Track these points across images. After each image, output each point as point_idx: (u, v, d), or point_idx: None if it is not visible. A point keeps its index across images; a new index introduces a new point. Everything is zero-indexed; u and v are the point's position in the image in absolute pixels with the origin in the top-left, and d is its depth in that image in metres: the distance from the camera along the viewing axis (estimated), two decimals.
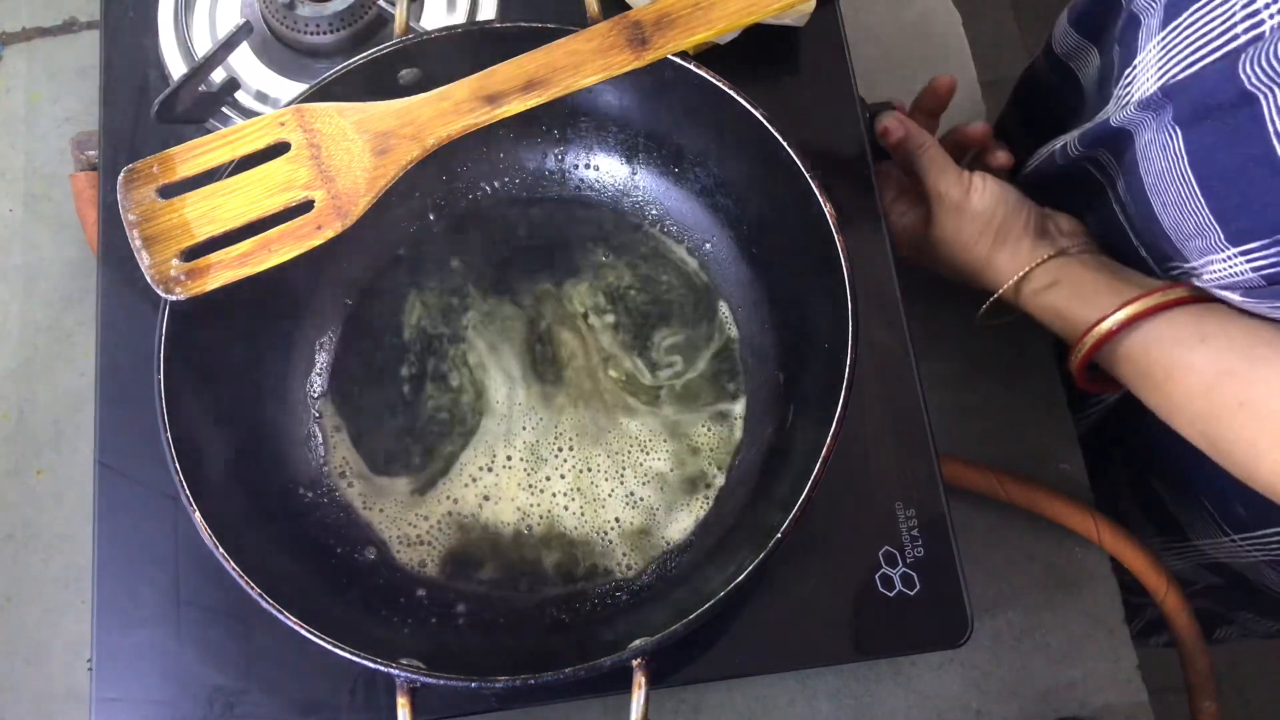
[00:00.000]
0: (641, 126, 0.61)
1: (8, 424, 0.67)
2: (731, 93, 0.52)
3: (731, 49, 0.63)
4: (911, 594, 0.56)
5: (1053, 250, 0.59)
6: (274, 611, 0.45)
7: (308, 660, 0.54)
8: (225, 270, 0.49)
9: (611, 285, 0.62)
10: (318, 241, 0.49)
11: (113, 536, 0.57)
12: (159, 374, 0.49)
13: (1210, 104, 0.46)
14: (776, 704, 0.60)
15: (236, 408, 0.56)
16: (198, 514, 0.47)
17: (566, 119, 0.62)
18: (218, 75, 0.66)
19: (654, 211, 0.63)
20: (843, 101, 0.65)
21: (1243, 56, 0.44)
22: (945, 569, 0.56)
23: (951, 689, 0.61)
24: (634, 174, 0.63)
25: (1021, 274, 0.59)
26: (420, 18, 0.68)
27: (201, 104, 0.64)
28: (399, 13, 0.56)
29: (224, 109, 0.65)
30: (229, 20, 0.68)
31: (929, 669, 0.61)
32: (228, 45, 0.65)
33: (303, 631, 0.45)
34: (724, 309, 0.62)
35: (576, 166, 0.64)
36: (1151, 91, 0.51)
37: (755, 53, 0.65)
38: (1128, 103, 0.54)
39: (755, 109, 0.52)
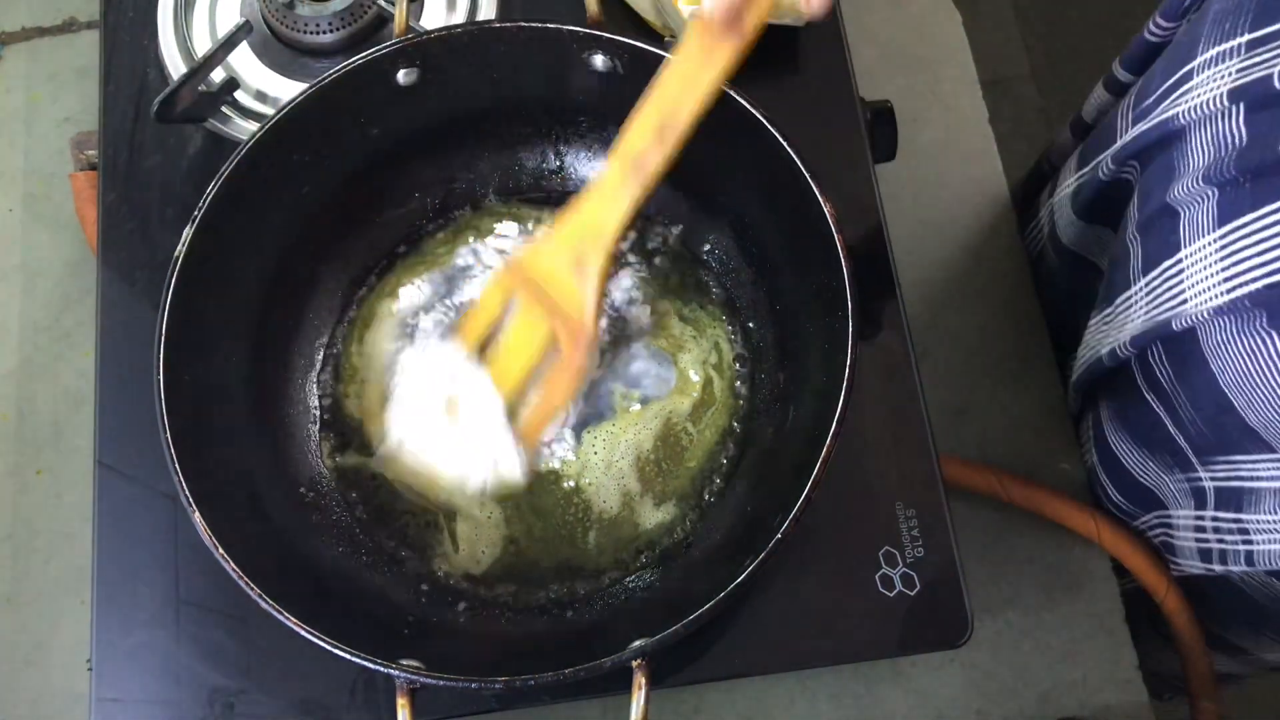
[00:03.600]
0: None
1: (8, 424, 0.67)
2: (731, 92, 0.52)
3: None
4: (911, 594, 0.56)
5: None
6: (274, 612, 0.45)
7: (308, 660, 0.54)
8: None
9: (610, 286, 0.62)
10: (581, 369, 0.55)
11: (112, 536, 0.57)
12: (159, 374, 0.49)
13: None
14: (776, 704, 0.60)
15: (236, 408, 0.56)
16: (197, 514, 0.47)
17: (567, 119, 0.62)
18: (217, 75, 0.66)
19: (653, 211, 0.63)
20: (843, 101, 0.65)
21: None
22: (945, 569, 0.56)
23: (952, 689, 0.61)
24: None
25: None
26: (420, 17, 0.68)
27: (201, 103, 0.64)
28: (399, 12, 0.56)
29: (224, 108, 0.65)
30: (229, 20, 0.68)
31: (929, 669, 0.61)
32: (227, 45, 0.65)
33: (303, 632, 0.45)
34: (723, 308, 0.62)
35: (577, 166, 0.64)
36: (1222, 296, 0.48)
37: (755, 53, 0.64)
38: (1181, 302, 0.51)
39: (755, 109, 0.52)
